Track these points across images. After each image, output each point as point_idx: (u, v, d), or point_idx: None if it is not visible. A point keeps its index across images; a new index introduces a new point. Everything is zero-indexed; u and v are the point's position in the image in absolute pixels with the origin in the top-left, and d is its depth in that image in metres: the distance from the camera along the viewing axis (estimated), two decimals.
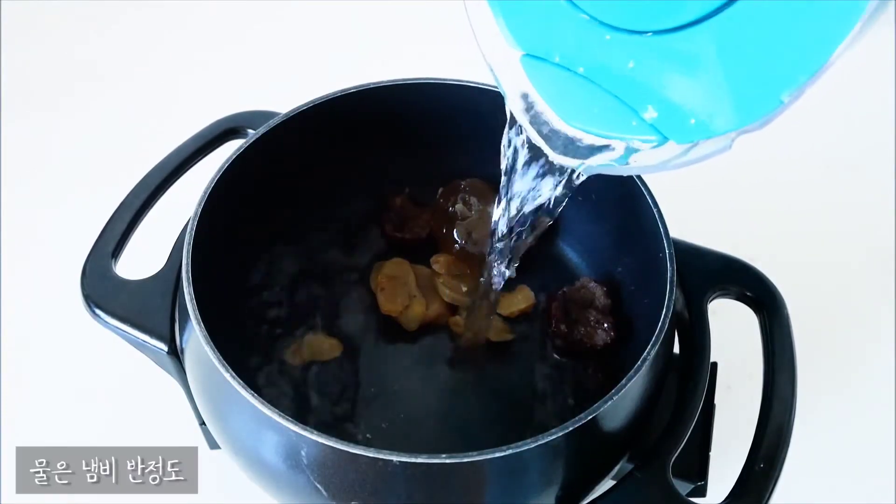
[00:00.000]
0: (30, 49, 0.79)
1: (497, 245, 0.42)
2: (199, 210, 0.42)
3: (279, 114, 0.47)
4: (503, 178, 0.38)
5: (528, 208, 0.39)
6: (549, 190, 0.37)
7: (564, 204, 0.39)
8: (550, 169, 0.35)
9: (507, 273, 0.44)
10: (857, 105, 0.76)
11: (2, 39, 0.78)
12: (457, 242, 0.52)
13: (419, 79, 0.48)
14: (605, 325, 0.48)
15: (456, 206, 0.52)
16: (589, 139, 0.31)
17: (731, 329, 0.46)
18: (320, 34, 0.82)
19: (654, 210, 0.43)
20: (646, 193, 0.44)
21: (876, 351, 0.60)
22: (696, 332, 0.43)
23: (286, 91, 0.53)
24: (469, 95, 0.49)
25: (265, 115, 0.49)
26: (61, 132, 0.72)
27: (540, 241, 0.53)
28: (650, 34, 0.27)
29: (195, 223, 0.42)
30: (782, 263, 0.51)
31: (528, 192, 0.38)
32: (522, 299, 0.51)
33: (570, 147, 0.32)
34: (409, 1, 0.81)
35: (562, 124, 0.31)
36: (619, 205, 0.49)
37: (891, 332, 0.60)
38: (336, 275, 0.52)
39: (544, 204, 0.38)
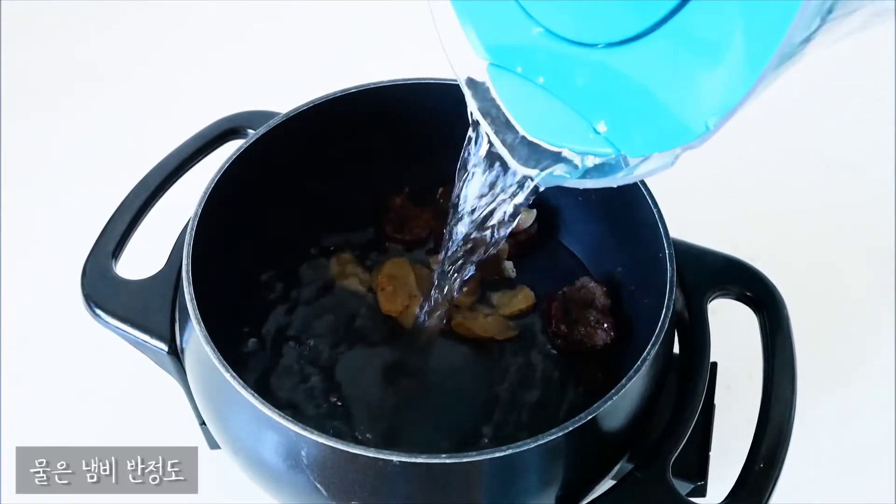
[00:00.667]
0: (30, 49, 0.79)
1: (446, 263, 0.42)
2: (199, 210, 0.42)
3: (279, 114, 0.47)
4: (457, 188, 0.39)
5: (481, 221, 0.39)
6: (502, 201, 0.37)
7: (513, 225, 0.39)
8: (506, 180, 0.36)
9: (456, 291, 0.44)
10: (856, 105, 0.76)
11: (2, 39, 0.78)
12: None
13: (419, 79, 0.48)
14: (605, 325, 0.48)
15: None
16: (549, 149, 0.31)
17: (731, 329, 0.46)
18: (320, 34, 0.82)
19: (654, 210, 0.43)
20: (646, 193, 0.44)
21: (876, 351, 0.60)
22: (696, 332, 0.43)
23: (286, 91, 0.53)
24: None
25: (265, 115, 0.49)
26: (61, 132, 0.72)
27: (540, 241, 0.53)
28: (600, 47, 0.27)
29: (195, 223, 0.42)
30: (782, 263, 0.51)
31: (482, 203, 0.38)
32: (523, 299, 0.51)
33: (532, 157, 0.32)
34: (409, 1, 0.81)
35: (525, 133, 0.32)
36: (620, 205, 0.49)
37: (891, 332, 0.60)
38: (336, 275, 0.52)
39: (498, 218, 0.39)
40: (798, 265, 0.61)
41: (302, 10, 0.83)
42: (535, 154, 0.32)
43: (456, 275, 0.43)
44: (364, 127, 0.50)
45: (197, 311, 0.39)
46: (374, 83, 0.48)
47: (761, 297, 0.45)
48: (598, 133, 0.29)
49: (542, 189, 0.34)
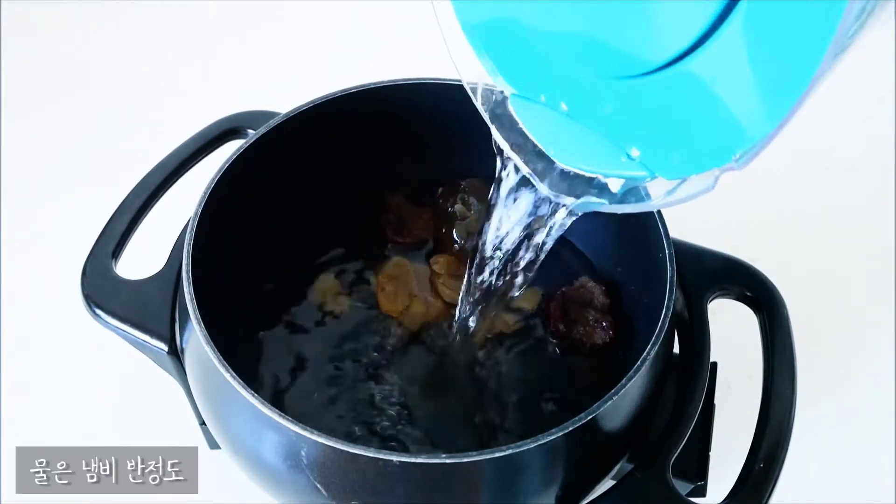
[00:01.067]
0: (30, 49, 0.79)
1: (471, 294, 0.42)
2: (199, 210, 0.42)
3: (279, 114, 0.47)
4: (486, 225, 0.38)
5: (514, 244, 0.39)
6: (536, 231, 0.37)
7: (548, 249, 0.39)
8: (540, 206, 0.36)
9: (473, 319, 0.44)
10: (856, 105, 0.76)
11: (2, 39, 0.78)
12: (456, 242, 0.52)
13: (419, 79, 0.48)
14: (604, 324, 0.48)
15: (455, 207, 0.52)
16: (582, 175, 0.31)
17: (731, 329, 0.46)
18: (320, 34, 0.82)
19: (655, 210, 0.43)
20: (646, 193, 0.44)
21: (876, 351, 0.60)
22: (696, 332, 0.43)
23: (286, 91, 0.53)
24: (469, 95, 0.48)
25: (265, 115, 0.49)
26: (61, 132, 0.72)
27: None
28: (624, 79, 0.27)
29: (195, 223, 0.42)
30: (782, 263, 0.51)
31: (510, 239, 0.38)
32: (529, 297, 0.50)
33: (564, 184, 0.32)
34: (409, 1, 0.80)
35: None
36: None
37: (891, 332, 0.60)
38: (336, 275, 0.52)
39: (530, 244, 0.38)
40: (798, 265, 0.61)
41: (302, 10, 0.83)
42: (568, 181, 0.32)
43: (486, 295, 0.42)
44: (364, 127, 0.50)
45: (197, 311, 0.39)
46: (374, 83, 0.48)
47: (761, 297, 0.45)
48: (631, 157, 0.28)
49: (578, 215, 0.34)
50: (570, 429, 0.35)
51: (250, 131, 0.49)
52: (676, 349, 0.44)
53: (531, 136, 0.31)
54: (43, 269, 0.62)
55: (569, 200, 0.32)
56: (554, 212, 0.35)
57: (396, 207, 0.54)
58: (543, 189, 0.32)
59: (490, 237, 0.38)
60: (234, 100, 0.53)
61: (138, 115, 0.73)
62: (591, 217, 0.51)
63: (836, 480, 0.53)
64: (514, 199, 0.36)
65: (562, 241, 0.54)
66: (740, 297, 0.45)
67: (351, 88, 0.48)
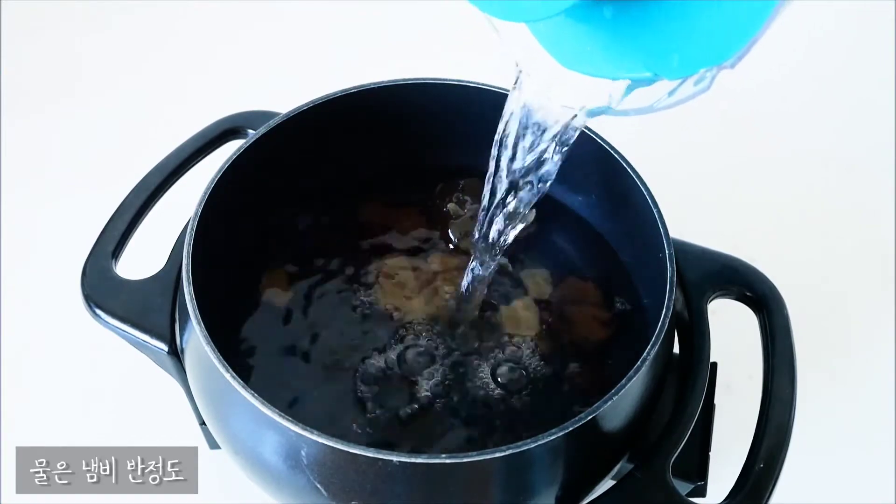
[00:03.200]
0: (30, 49, 0.79)
1: (482, 233, 0.42)
2: (199, 210, 0.42)
3: (279, 114, 0.47)
4: (494, 151, 0.39)
5: (520, 177, 0.39)
6: (542, 152, 0.38)
7: (550, 182, 0.39)
8: (539, 134, 0.37)
9: (493, 264, 0.44)
10: (856, 105, 0.76)
11: (2, 39, 0.78)
12: (451, 241, 0.52)
13: (419, 79, 0.48)
14: (602, 323, 0.48)
15: (449, 206, 0.52)
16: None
17: (731, 329, 0.46)
18: (320, 34, 0.82)
19: (654, 210, 0.43)
20: (646, 193, 0.44)
21: (876, 351, 0.60)
22: (696, 332, 0.43)
23: (286, 91, 0.53)
24: (469, 95, 0.49)
25: (265, 115, 0.49)
26: (61, 132, 0.72)
27: (539, 240, 0.53)
28: None
29: (195, 223, 0.42)
30: (782, 263, 0.51)
31: (520, 161, 0.39)
32: (539, 283, 0.50)
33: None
34: (409, 1, 0.81)
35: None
36: (619, 205, 0.49)
37: (891, 332, 0.60)
38: (336, 274, 0.52)
39: (535, 171, 0.39)
40: (798, 265, 0.61)
41: (302, 10, 0.83)
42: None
43: (498, 238, 0.43)
44: (364, 127, 0.50)
45: (197, 311, 0.39)
46: (374, 83, 0.48)
47: (761, 297, 0.45)
48: (632, 59, 0.29)
49: (588, 121, 0.35)
50: (570, 429, 0.35)
51: (250, 131, 0.49)
52: (676, 349, 0.44)
53: (536, 41, 0.32)
54: (43, 269, 0.62)
55: (575, 106, 0.33)
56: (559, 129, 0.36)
57: (375, 215, 0.53)
58: (552, 96, 0.33)
59: (504, 159, 0.39)
60: (234, 100, 0.53)
61: (138, 115, 0.73)
62: (591, 217, 0.52)
63: (836, 480, 0.53)
64: (527, 113, 0.37)
65: (561, 240, 0.54)
66: (740, 297, 0.45)
67: (351, 88, 0.48)
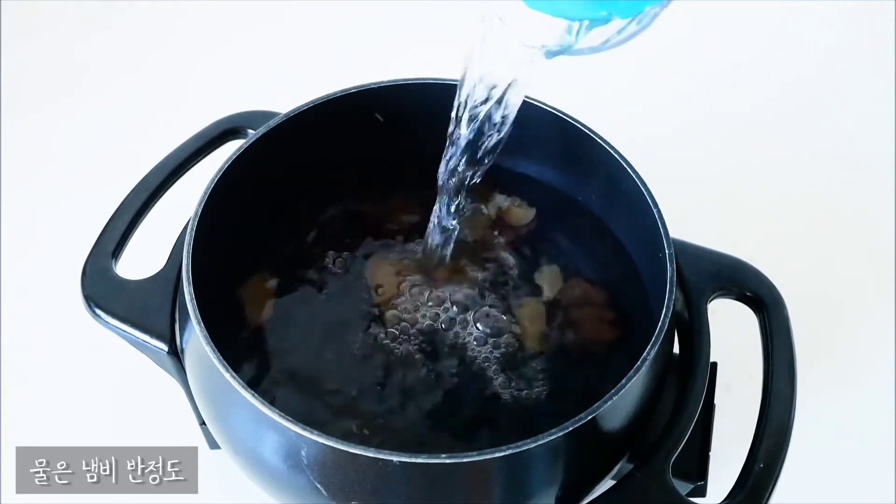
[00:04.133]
0: (30, 49, 0.79)
1: (447, 177, 0.44)
2: (199, 210, 0.42)
3: (279, 114, 0.47)
4: (458, 93, 0.41)
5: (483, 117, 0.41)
6: (500, 88, 0.40)
7: (510, 125, 0.41)
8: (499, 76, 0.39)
9: (454, 221, 0.46)
10: (856, 105, 0.76)
11: (2, 39, 0.78)
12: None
13: (419, 79, 0.48)
14: (605, 324, 0.48)
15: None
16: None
17: (731, 329, 0.46)
18: (320, 34, 0.82)
19: (654, 210, 0.43)
20: (646, 193, 0.44)
21: (876, 351, 0.60)
22: (696, 332, 0.43)
23: (286, 91, 0.53)
24: None
25: (265, 115, 0.49)
26: (61, 132, 0.72)
27: (539, 240, 0.53)
28: None
29: (195, 223, 0.42)
30: (782, 263, 0.51)
31: (481, 89, 0.40)
32: (549, 279, 0.50)
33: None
34: (409, 1, 0.81)
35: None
36: (619, 205, 0.49)
37: (891, 332, 0.60)
38: (335, 274, 0.52)
39: (495, 119, 0.41)
40: (798, 265, 0.61)
41: (302, 10, 0.83)
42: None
43: (463, 180, 0.44)
44: (364, 127, 0.50)
45: (197, 311, 0.39)
46: (374, 83, 0.48)
47: (761, 297, 0.45)
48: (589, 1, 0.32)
49: (548, 59, 0.37)
50: (570, 429, 0.35)
51: (250, 131, 0.49)
52: (676, 349, 0.44)
53: None
54: (43, 269, 0.62)
55: (536, 45, 0.36)
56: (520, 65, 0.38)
57: (375, 215, 0.53)
58: (515, 37, 0.36)
59: (465, 91, 0.41)
60: (234, 100, 0.53)
61: (138, 115, 0.73)
62: (591, 217, 0.52)
63: (836, 480, 0.53)
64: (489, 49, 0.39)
65: (561, 240, 0.54)
66: (740, 297, 0.45)
67: (351, 88, 0.48)
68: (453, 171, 0.43)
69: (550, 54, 0.36)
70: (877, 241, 0.66)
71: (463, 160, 0.43)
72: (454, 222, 0.46)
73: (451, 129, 0.42)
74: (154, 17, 0.82)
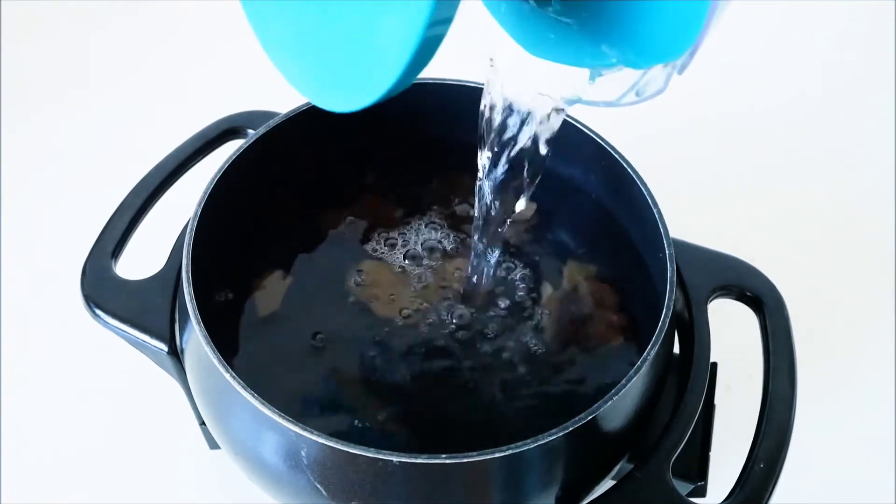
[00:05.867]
0: (30, 49, 0.79)
1: (481, 212, 0.43)
2: (199, 210, 0.42)
3: (279, 114, 0.47)
4: (486, 138, 0.40)
5: (509, 161, 0.40)
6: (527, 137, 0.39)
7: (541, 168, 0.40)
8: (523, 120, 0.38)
9: (493, 258, 0.45)
10: (856, 105, 0.76)
11: (2, 39, 0.78)
12: (450, 240, 0.52)
13: (419, 79, 0.48)
14: (610, 323, 0.48)
15: (457, 208, 0.52)
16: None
17: (731, 329, 0.46)
18: None
19: (654, 210, 0.43)
20: (646, 194, 0.44)
21: (876, 351, 0.60)
22: (696, 332, 0.43)
23: (286, 91, 0.53)
24: (469, 95, 0.48)
25: (265, 115, 0.49)
26: (61, 132, 0.72)
27: (539, 239, 0.53)
28: None
29: (195, 223, 0.42)
30: (782, 263, 0.51)
31: (510, 146, 0.40)
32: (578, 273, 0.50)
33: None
34: None
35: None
36: (619, 205, 0.49)
37: (891, 332, 0.60)
38: (336, 273, 0.52)
39: (527, 158, 0.40)
40: (798, 265, 0.61)
41: None
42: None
43: (496, 218, 0.43)
44: (364, 127, 0.50)
45: (197, 311, 0.39)
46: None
47: (761, 297, 0.45)
48: (595, 49, 0.31)
49: (567, 109, 0.36)
50: (571, 429, 0.35)
51: (250, 131, 0.49)
52: (676, 349, 0.44)
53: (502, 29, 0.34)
54: (43, 269, 0.62)
55: (552, 94, 0.35)
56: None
57: (375, 215, 0.53)
58: (524, 85, 0.35)
59: (491, 142, 0.40)
60: (234, 100, 0.53)
61: (138, 115, 0.73)
62: (591, 217, 0.52)
63: (836, 480, 0.53)
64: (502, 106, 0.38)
65: (560, 240, 0.54)
66: (740, 297, 0.45)
67: None
68: (486, 224, 0.43)
69: (568, 102, 0.35)
70: (877, 241, 0.66)
71: (493, 208, 0.42)
72: (490, 258, 0.45)
73: (480, 176, 0.41)
74: (154, 17, 0.82)
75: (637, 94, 0.32)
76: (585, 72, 0.33)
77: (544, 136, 0.38)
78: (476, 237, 0.44)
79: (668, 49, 0.29)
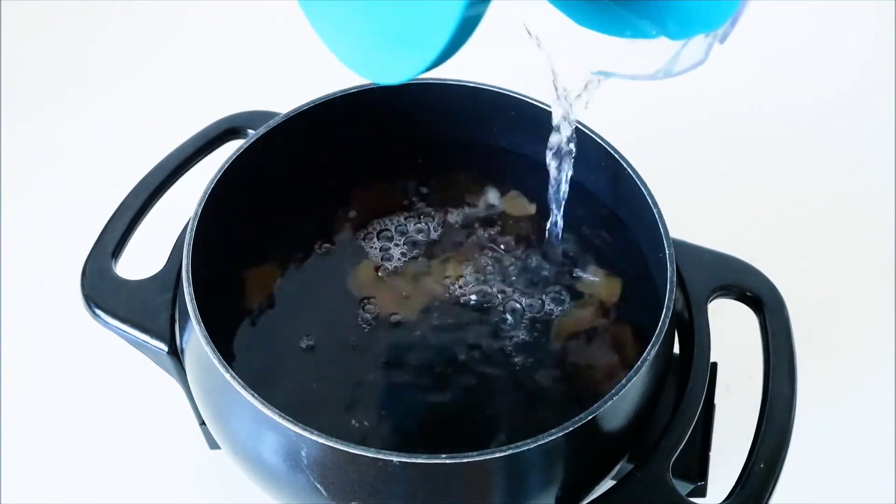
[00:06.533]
0: (30, 49, 0.79)
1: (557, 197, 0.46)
2: (199, 210, 0.42)
3: (279, 114, 0.47)
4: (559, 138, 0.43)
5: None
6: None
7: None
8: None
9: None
10: (856, 105, 0.76)
11: (2, 39, 0.78)
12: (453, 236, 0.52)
13: (419, 79, 0.48)
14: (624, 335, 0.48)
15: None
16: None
17: (731, 329, 0.46)
18: None
19: (654, 210, 0.43)
20: (646, 193, 0.44)
21: (876, 351, 0.60)
22: (696, 332, 0.43)
23: (286, 91, 0.53)
24: (469, 95, 0.49)
25: (265, 115, 0.49)
26: (62, 132, 0.72)
27: (539, 239, 0.53)
28: None
29: (195, 223, 0.42)
30: (782, 263, 0.51)
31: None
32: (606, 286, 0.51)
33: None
34: None
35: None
36: (620, 205, 0.49)
37: (891, 332, 0.60)
38: (336, 273, 0.52)
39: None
40: (798, 265, 0.61)
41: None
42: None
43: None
44: (364, 127, 0.50)
45: (197, 311, 0.39)
46: (374, 83, 0.48)
47: (761, 297, 0.45)
48: (635, 20, 0.32)
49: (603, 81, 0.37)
50: (570, 429, 0.35)
51: (250, 131, 0.49)
52: (676, 349, 0.44)
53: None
54: (43, 270, 0.62)
55: (592, 68, 0.35)
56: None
57: (375, 214, 0.53)
58: (568, 52, 0.36)
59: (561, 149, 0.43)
60: (234, 100, 0.53)
61: (138, 115, 0.73)
62: (591, 217, 0.52)
63: (836, 480, 0.53)
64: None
65: (561, 240, 0.54)
66: (740, 297, 0.45)
67: (351, 88, 0.48)
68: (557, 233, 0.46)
69: (603, 74, 0.36)
70: (877, 241, 0.66)
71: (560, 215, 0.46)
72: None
73: (552, 187, 0.44)
74: (154, 17, 0.82)
75: (676, 66, 0.32)
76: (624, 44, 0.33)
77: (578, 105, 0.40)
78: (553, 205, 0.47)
79: (710, 18, 0.29)
